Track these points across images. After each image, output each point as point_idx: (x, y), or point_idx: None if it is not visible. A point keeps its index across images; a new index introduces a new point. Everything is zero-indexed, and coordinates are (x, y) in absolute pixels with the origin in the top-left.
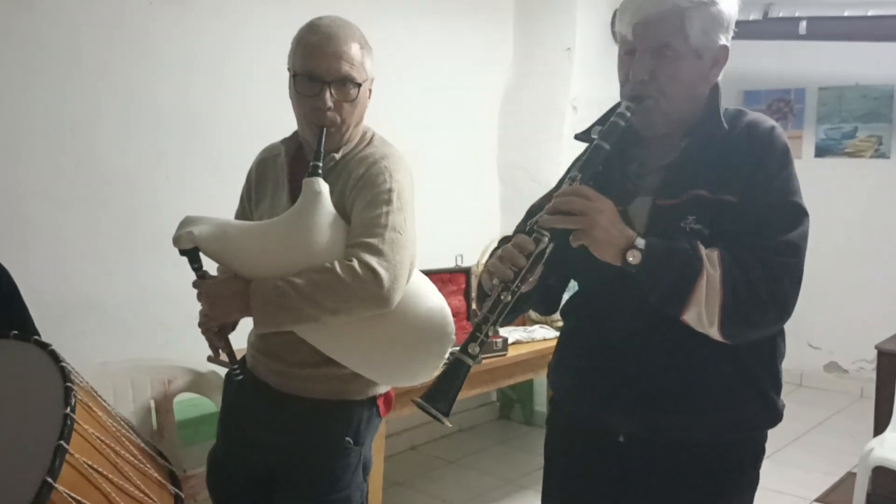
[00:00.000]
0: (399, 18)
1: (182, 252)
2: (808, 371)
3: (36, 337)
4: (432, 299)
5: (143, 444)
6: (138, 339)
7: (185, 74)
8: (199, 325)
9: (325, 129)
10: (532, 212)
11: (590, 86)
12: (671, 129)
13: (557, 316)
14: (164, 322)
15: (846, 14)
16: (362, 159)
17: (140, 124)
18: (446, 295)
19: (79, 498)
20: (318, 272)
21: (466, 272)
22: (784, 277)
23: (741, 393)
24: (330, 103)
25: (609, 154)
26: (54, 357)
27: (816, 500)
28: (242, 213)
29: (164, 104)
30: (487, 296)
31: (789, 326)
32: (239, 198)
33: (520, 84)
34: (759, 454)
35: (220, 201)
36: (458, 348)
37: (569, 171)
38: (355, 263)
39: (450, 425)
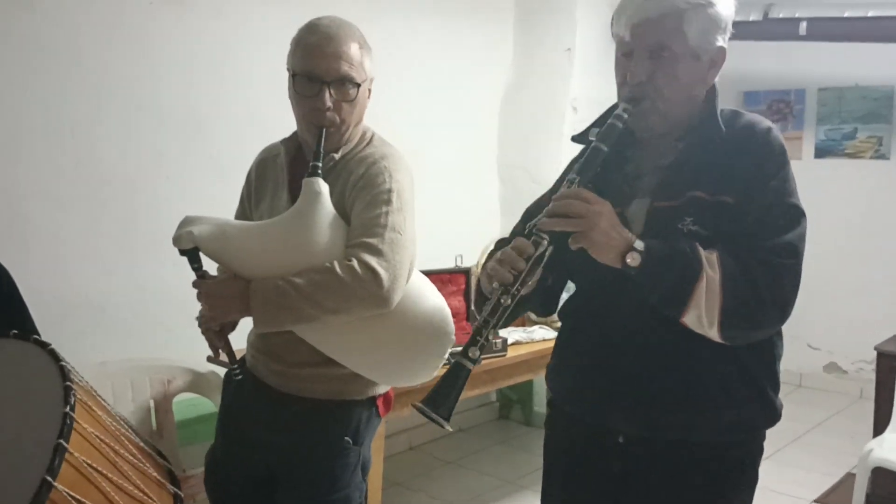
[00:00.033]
0: (399, 18)
1: (182, 252)
2: (808, 372)
3: (35, 336)
4: (432, 299)
5: (142, 444)
6: (138, 338)
7: (185, 74)
8: (199, 324)
9: (324, 130)
10: (529, 213)
11: (590, 86)
12: (668, 131)
13: (556, 317)
14: (163, 322)
15: (846, 15)
16: (362, 159)
17: (140, 124)
18: (446, 295)
19: (78, 497)
20: (318, 272)
21: (466, 273)
22: (784, 279)
23: (741, 393)
24: (329, 103)
25: (607, 156)
26: (54, 356)
27: (816, 501)
28: (242, 214)
29: (164, 104)
30: (487, 299)
31: (789, 327)
32: (239, 198)
33: (520, 84)
34: (758, 453)
35: (220, 201)
36: (458, 348)
37: (565, 172)
38: (355, 263)
39: (451, 429)
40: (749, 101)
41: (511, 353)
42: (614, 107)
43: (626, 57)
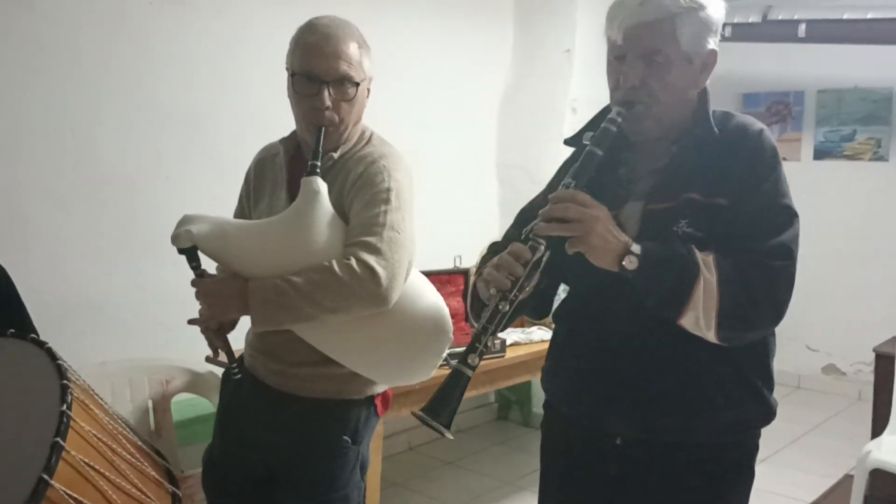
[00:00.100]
0: (399, 18)
1: (180, 251)
2: (807, 373)
3: (33, 335)
4: (430, 298)
5: (140, 443)
6: (138, 338)
7: (185, 74)
8: (198, 323)
9: (323, 129)
10: (523, 215)
11: (589, 87)
12: (662, 134)
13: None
14: (163, 322)
15: (845, 17)
16: (361, 158)
17: (140, 124)
18: (445, 296)
19: (75, 495)
20: (316, 271)
21: (465, 273)
22: (778, 280)
23: (738, 393)
24: (328, 103)
25: (601, 159)
26: (51, 355)
27: (814, 503)
28: (241, 213)
29: (164, 104)
30: (483, 305)
31: (788, 329)
32: (238, 197)
33: (519, 85)
34: (754, 451)
35: (220, 201)
36: (457, 349)
37: (557, 175)
38: (353, 262)
39: (451, 437)
40: (748, 103)
41: (509, 353)
42: (606, 109)
43: (619, 60)
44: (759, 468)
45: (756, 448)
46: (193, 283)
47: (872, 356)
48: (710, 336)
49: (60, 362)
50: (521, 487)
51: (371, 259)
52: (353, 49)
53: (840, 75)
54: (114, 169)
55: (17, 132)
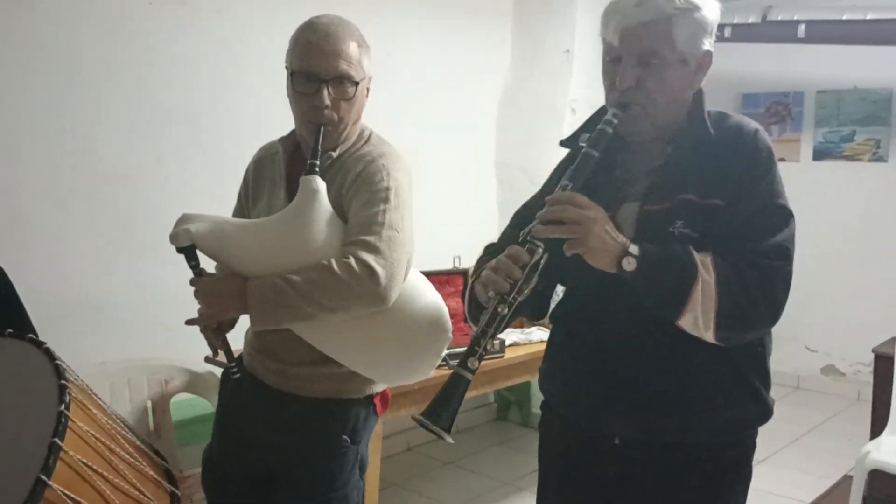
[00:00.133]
0: (399, 19)
1: (179, 249)
2: (806, 374)
3: (31, 335)
4: (429, 297)
5: (139, 442)
6: (137, 338)
7: (185, 74)
8: (197, 322)
9: (322, 128)
10: (519, 217)
11: (589, 87)
12: (658, 135)
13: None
14: (163, 322)
15: (845, 17)
16: (360, 157)
17: (140, 124)
18: (444, 296)
19: (74, 496)
20: (315, 270)
21: (464, 274)
22: (775, 280)
23: (736, 393)
24: (328, 101)
25: (597, 161)
26: (49, 355)
27: (812, 503)
28: (240, 212)
29: (164, 104)
30: (482, 308)
31: (787, 329)
32: (237, 197)
33: (518, 86)
34: (752, 450)
35: (219, 201)
36: (457, 349)
37: (552, 177)
38: (352, 261)
39: (451, 441)
40: (748, 104)
41: (509, 354)
42: (602, 111)
43: (615, 62)
44: (758, 469)
45: (754, 447)
46: (192, 282)
47: (871, 357)
48: (709, 336)
49: (58, 362)
50: (521, 488)
51: (370, 258)
52: (352, 48)
53: (839, 76)
54: (114, 169)
55: (17, 132)
